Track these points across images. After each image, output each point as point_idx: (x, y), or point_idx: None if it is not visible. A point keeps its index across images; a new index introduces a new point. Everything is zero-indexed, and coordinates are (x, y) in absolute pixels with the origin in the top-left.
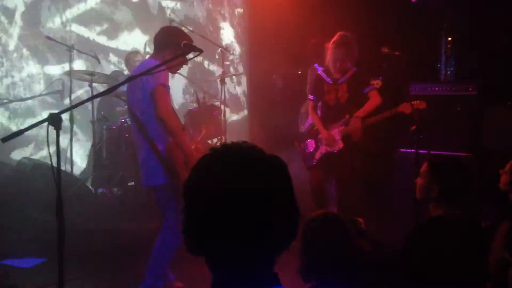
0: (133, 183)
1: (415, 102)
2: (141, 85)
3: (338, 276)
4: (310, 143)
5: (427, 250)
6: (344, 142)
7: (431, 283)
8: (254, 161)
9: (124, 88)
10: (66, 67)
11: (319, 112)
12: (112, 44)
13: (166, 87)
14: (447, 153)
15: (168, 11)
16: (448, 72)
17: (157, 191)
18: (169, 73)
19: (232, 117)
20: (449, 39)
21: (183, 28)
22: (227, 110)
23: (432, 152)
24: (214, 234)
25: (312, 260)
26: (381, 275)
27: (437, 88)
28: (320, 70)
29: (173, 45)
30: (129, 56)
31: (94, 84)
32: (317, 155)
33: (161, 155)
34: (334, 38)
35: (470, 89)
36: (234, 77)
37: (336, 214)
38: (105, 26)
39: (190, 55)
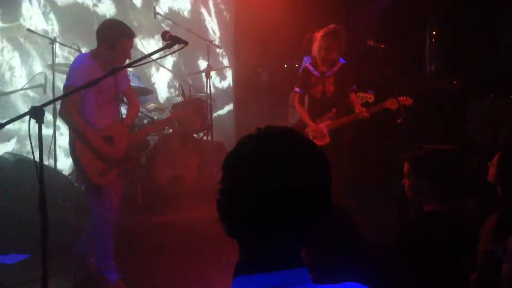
0: None
1: (401, 98)
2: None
3: (339, 267)
4: None
5: (421, 244)
6: (330, 136)
7: (424, 278)
8: (291, 151)
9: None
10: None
11: (305, 105)
12: None
13: (72, 88)
14: (432, 146)
15: (153, 4)
16: (433, 66)
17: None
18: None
19: (218, 111)
20: (434, 33)
21: (168, 21)
22: (213, 103)
23: (417, 145)
24: (245, 220)
25: (314, 251)
26: (380, 267)
27: (421, 82)
28: (308, 63)
29: (108, 40)
30: None
31: None
32: None
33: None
34: (326, 29)
35: (454, 82)
36: (219, 70)
37: (337, 204)
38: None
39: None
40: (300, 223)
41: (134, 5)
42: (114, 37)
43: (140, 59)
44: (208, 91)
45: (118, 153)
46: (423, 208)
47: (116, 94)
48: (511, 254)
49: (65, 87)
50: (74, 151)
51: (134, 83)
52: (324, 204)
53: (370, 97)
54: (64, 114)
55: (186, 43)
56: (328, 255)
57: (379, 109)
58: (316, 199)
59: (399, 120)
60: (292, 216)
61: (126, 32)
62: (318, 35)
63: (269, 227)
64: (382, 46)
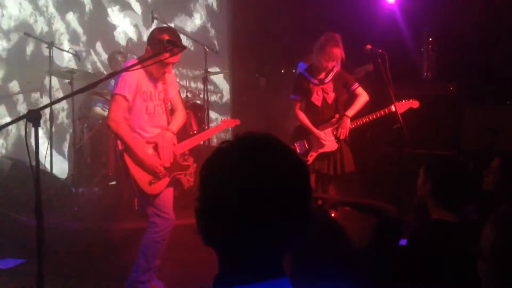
0: (114, 182)
1: (408, 101)
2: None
3: (330, 279)
4: (301, 144)
5: (429, 252)
6: (337, 142)
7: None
8: (266, 156)
9: (107, 86)
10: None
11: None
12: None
13: (121, 96)
14: (429, 152)
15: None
16: (429, 72)
17: None
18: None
19: (215, 116)
20: (430, 39)
21: (164, 25)
22: (210, 108)
23: (414, 150)
24: (221, 228)
25: (303, 261)
26: (377, 276)
27: (418, 87)
28: (302, 70)
29: (151, 43)
30: (111, 56)
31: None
32: (309, 157)
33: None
34: (329, 38)
35: (451, 88)
36: (217, 75)
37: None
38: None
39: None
40: (278, 229)
41: (134, 12)
42: (157, 39)
43: (139, 63)
44: (205, 97)
45: (165, 162)
46: (429, 213)
47: (166, 102)
48: (485, 250)
49: (113, 95)
50: (123, 159)
51: None
52: (303, 210)
53: (369, 66)
54: (111, 122)
55: (184, 47)
56: (311, 262)
57: (387, 113)
58: (294, 205)
59: (396, 125)
60: (270, 222)
61: (171, 34)
62: (318, 43)
63: (248, 232)
64: (380, 51)
